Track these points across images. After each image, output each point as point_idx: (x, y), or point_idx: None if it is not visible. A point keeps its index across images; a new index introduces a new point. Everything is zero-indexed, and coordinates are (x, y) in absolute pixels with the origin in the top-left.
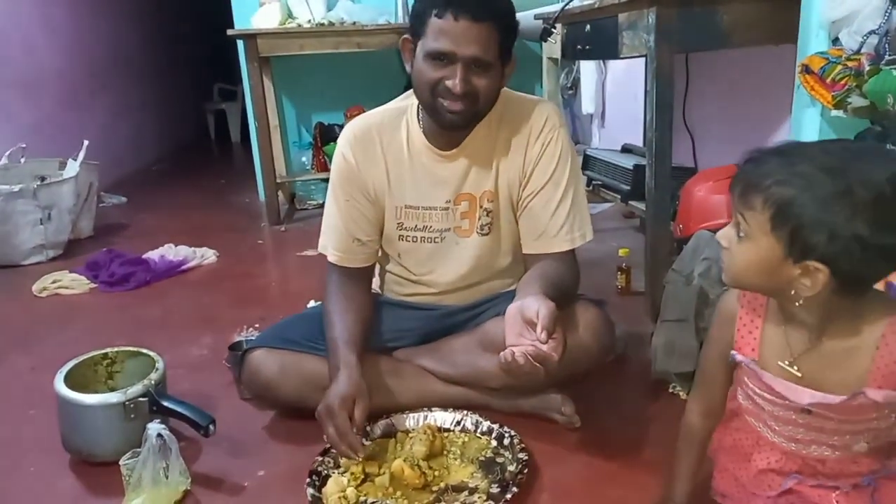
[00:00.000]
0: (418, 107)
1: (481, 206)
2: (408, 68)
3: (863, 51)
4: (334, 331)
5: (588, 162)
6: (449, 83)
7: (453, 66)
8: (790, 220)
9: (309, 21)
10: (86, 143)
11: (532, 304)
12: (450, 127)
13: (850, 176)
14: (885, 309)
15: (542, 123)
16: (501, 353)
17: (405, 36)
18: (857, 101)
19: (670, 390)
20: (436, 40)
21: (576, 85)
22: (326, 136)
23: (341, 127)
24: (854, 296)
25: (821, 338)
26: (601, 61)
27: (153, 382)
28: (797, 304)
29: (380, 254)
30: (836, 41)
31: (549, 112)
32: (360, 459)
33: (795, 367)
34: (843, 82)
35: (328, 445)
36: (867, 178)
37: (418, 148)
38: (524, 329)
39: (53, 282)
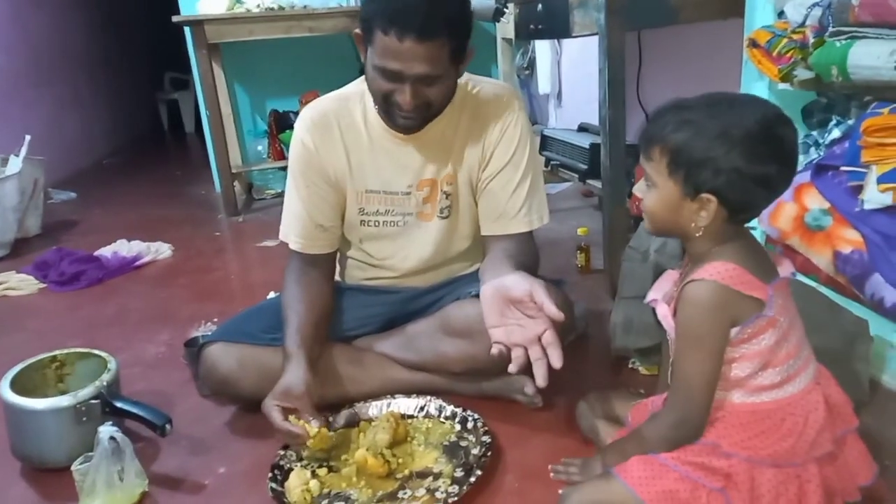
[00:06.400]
0: None
1: (441, 190)
2: (362, 58)
3: (807, 23)
4: (287, 323)
5: (545, 142)
6: (399, 98)
7: (402, 83)
8: (682, 163)
9: (258, 5)
10: (28, 137)
11: (520, 284)
12: (404, 131)
13: (725, 120)
14: (728, 256)
15: (503, 108)
16: (494, 345)
17: (356, 30)
18: (802, 73)
19: (630, 366)
20: (382, 57)
21: (532, 65)
22: (282, 123)
23: (296, 114)
24: (743, 221)
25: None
26: (556, 41)
27: (105, 384)
28: (697, 234)
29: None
30: (781, 14)
31: (508, 96)
32: (314, 439)
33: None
34: (788, 55)
35: None
36: (738, 121)
37: (378, 132)
38: (506, 308)
39: (0, 283)
